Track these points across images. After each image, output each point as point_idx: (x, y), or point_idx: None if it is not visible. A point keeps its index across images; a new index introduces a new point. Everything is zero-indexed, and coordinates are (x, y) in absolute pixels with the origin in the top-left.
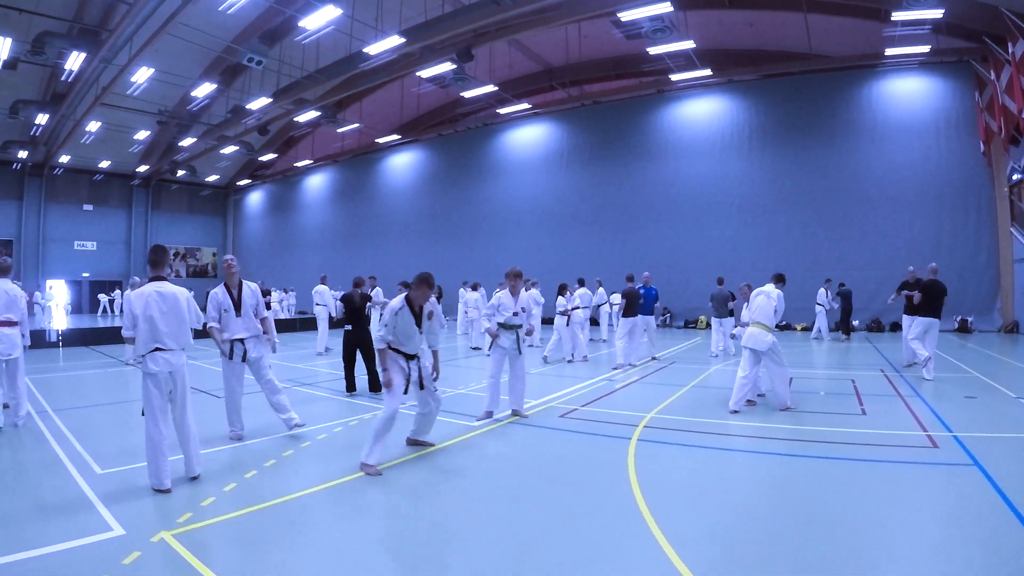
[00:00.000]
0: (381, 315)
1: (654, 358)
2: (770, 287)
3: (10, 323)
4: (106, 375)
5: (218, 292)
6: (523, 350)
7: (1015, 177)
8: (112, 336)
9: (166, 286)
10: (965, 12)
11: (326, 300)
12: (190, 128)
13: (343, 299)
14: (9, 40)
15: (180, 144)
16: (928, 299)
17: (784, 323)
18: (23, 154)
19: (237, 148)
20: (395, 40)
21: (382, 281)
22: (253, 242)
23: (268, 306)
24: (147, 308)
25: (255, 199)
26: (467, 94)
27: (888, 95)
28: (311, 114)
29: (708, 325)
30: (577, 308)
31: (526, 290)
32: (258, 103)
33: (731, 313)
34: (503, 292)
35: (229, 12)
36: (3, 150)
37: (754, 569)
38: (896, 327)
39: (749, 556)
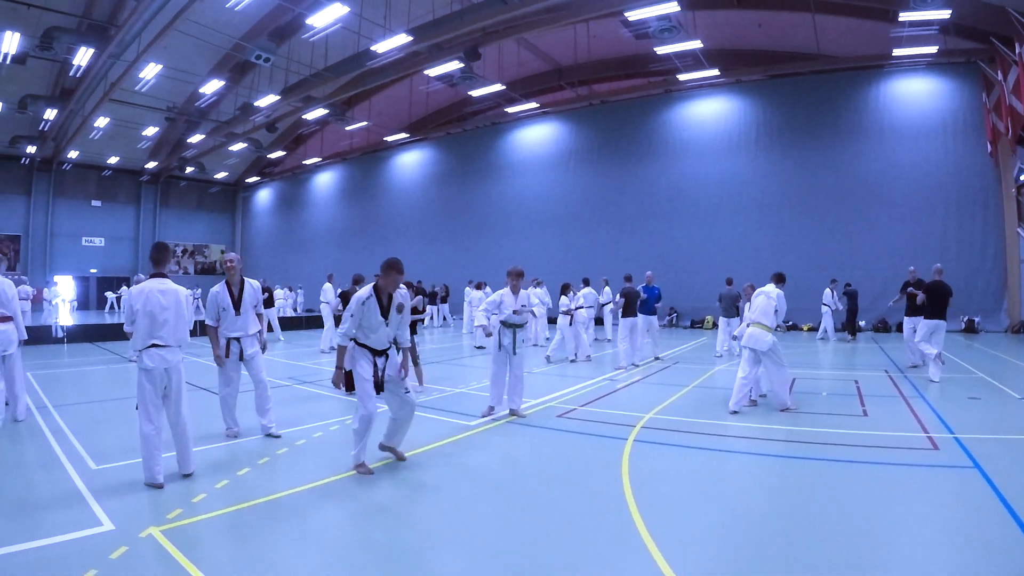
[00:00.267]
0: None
1: (657, 358)
2: (770, 287)
3: (4, 319)
4: (109, 371)
5: (218, 291)
6: (519, 350)
7: (1022, 178)
8: (117, 332)
9: (167, 283)
10: (972, 13)
11: (330, 298)
12: (199, 125)
13: (342, 296)
14: (18, 35)
15: (189, 141)
16: (933, 300)
17: (790, 323)
18: (32, 149)
19: (246, 145)
20: (403, 38)
21: None
22: (261, 240)
23: (270, 303)
24: (147, 304)
25: (263, 196)
26: (475, 93)
27: (895, 95)
28: (320, 112)
29: (715, 325)
30: (581, 308)
31: (534, 288)
32: (266, 100)
33: (739, 313)
34: (505, 290)
35: (237, 9)
36: (12, 145)
37: (741, 571)
38: (902, 328)
39: (738, 558)
